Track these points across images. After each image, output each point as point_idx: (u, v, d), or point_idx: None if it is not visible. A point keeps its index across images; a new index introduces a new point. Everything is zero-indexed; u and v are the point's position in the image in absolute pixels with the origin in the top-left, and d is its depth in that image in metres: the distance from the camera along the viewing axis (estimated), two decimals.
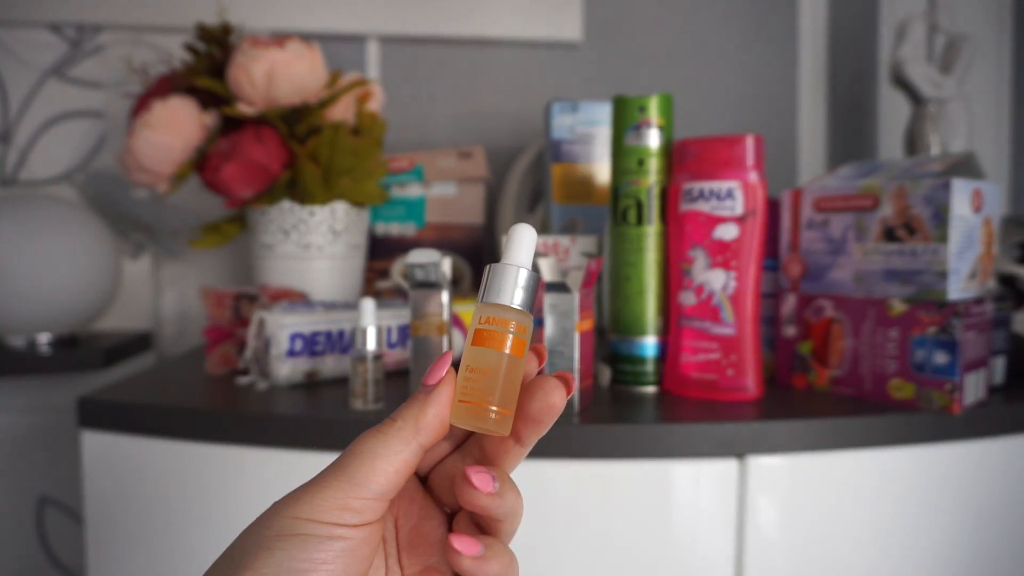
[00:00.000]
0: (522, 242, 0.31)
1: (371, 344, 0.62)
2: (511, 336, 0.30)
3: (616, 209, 0.71)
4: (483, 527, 0.31)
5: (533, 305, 0.31)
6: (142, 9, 1.03)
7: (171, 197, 1.02)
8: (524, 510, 0.31)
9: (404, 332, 0.76)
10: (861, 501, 0.62)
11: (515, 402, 0.30)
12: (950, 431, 0.62)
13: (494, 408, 0.29)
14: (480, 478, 0.29)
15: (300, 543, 0.27)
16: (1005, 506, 0.65)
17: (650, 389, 0.71)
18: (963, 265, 0.63)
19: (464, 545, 0.29)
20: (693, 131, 0.98)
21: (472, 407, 0.29)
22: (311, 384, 0.71)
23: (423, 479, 0.33)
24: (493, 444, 0.31)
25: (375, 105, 0.90)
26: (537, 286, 0.31)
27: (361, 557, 0.28)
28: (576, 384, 0.59)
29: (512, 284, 0.30)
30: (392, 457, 0.28)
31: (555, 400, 0.29)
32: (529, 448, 0.31)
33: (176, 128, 0.80)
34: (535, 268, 0.30)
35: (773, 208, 0.73)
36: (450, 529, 0.32)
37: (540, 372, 0.32)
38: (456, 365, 0.31)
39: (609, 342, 0.73)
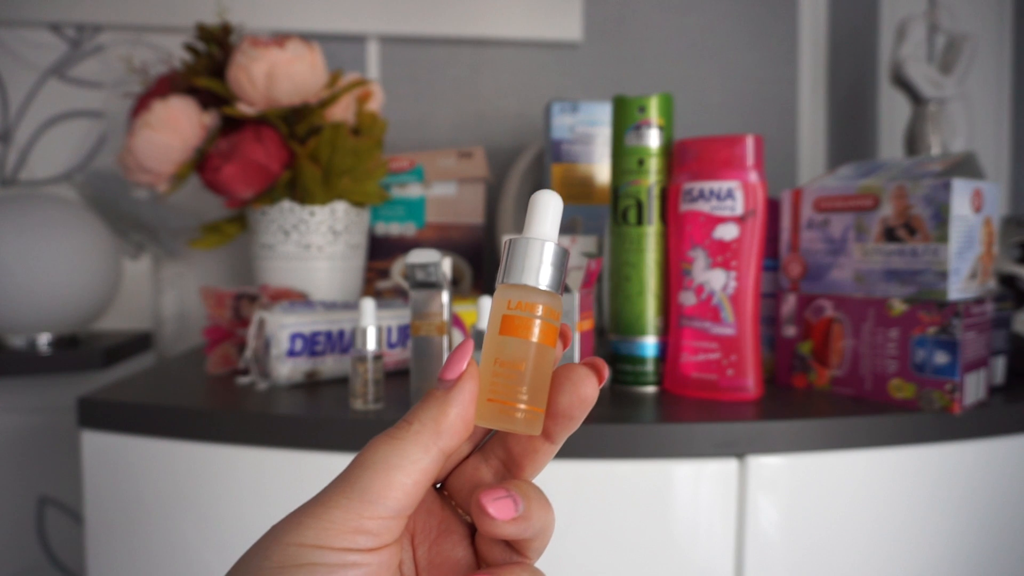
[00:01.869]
0: (546, 211, 0.26)
1: (371, 344, 0.62)
2: (539, 322, 0.26)
3: (616, 209, 0.71)
4: (511, 545, 0.27)
5: (562, 284, 0.27)
6: (142, 9, 1.03)
7: (171, 197, 1.02)
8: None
9: (404, 332, 0.76)
10: (861, 501, 0.62)
11: (546, 397, 0.26)
12: (950, 431, 0.62)
13: (523, 406, 0.26)
14: (498, 505, 0.25)
15: (307, 574, 0.23)
16: (1005, 506, 0.65)
17: (650, 389, 0.71)
18: (963, 265, 0.63)
19: None
20: (693, 131, 0.98)
21: (500, 405, 0.26)
22: (311, 384, 0.71)
23: (439, 487, 0.29)
24: (520, 443, 0.27)
25: (375, 105, 0.90)
26: (566, 261, 0.27)
27: None
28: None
29: (537, 261, 0.26)
30: (410, 467, 0.24)
31: (587, 392, 0.26)
32: (559, 445, 0.27)
33: (176, 128, 0.80)
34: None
35: (773, 208, 0.73)
36: (473, 542, 0.28)
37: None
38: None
39: (609, 342, 0.73)
